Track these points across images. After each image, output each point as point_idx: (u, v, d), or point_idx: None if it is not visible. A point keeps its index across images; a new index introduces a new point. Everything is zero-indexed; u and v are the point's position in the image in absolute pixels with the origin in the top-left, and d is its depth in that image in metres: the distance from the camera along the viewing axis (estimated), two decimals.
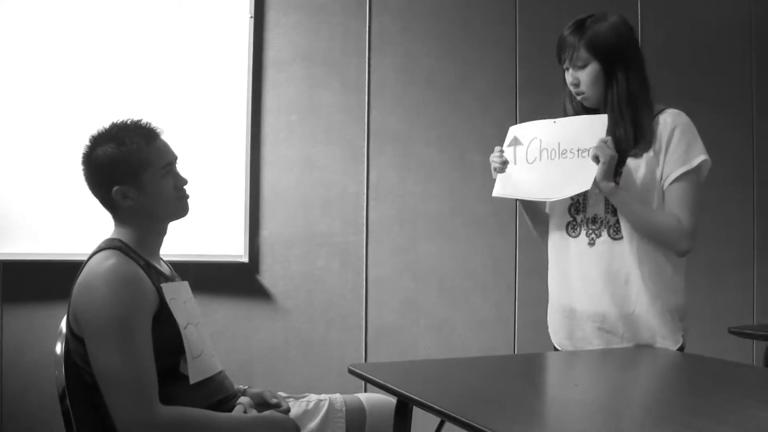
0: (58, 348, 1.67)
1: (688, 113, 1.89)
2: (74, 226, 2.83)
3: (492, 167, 2.03)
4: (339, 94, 3.26)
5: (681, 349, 1.89)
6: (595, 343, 1.93)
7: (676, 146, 1.83)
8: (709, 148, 1.86)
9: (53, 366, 1.66)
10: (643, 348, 1.87)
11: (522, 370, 1.74)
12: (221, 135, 3.05)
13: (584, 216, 1.93)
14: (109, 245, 1.65)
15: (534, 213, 2.10)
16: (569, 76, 1.91)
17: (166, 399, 1.55)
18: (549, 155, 1.93)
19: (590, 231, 1.91)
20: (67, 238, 2.84)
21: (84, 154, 1.70)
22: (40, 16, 2.88)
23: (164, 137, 1.75)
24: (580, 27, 1.86)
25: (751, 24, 3.82)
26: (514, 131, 2.04)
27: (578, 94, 1.91)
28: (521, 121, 2.16)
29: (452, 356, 3.21)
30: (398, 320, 3.30)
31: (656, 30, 3.62)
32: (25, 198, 2.84)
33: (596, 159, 1.80)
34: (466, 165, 3.35)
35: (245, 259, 3.07)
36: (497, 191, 2.02)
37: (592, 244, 1.91)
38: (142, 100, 2.93)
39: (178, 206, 1.75)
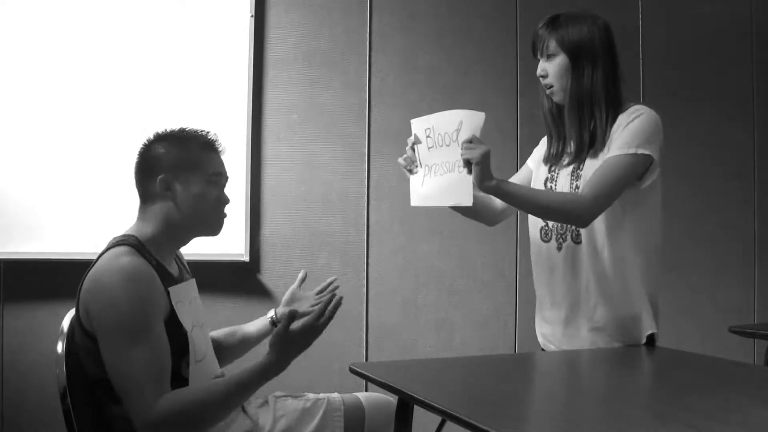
0: (59, 347, 1.68)
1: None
2: (76, 225, 2.83)
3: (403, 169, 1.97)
4: (340, 93, 3.26)
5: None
6: (562, 347, 1.93)
7: (620, 134, 1.79)
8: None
9: (54, 365, 1.67)
10: (642, 347, 1.86)
11: (523, 370, 1.74)
12: (222, 134, 3.03)
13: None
14: (123, 241, 1.63)
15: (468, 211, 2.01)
16: (538, 68, 1.91)
17: None
18: (440, 157, 1.85)
19: (559, 236, 1.91)
20: (69, 237, 2.84)
21: (143, 145, 1.73)
22: (41, 15, 2.87)
23: (224, 157, 1.78)
24: (553, 21, 1.87)
25: (752, 22, 3.82)
26: (414, 126, 1.95)
27: (546, 87, 1.90)
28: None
29: (453, 355, 3.21)
30: (399, 319, 3.30)
31: (657, 28, 3.62)
32: (26, 197, 2.84)
33: (468, 163, 1.73)
34: None
35: (246, 259, 3.07)
36: (413, 200, 1.96)
37: (559, 248, 1.91)
38: (143, 99, 2.93)
39: (214, 219, 1.74)
